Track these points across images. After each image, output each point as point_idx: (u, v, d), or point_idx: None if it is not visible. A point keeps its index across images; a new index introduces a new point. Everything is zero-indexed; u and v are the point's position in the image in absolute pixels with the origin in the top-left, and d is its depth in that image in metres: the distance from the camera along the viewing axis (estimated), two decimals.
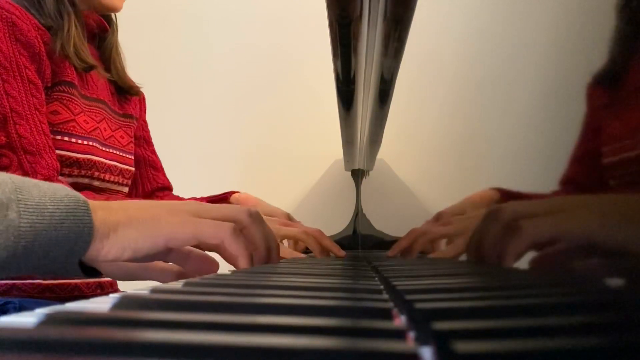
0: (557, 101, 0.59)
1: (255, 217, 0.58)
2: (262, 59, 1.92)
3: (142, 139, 1.27)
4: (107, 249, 0.49)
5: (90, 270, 0.76)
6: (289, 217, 1.12)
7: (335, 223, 1.49)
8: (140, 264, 0.67)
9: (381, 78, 0.75)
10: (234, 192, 1.21)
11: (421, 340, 0.21)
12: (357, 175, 1.52)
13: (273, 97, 1.91)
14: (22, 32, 0.92)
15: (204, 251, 0.61)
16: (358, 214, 1.48)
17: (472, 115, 0.92)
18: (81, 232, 0.47)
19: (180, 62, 1.94)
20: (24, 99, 0.90)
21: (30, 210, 0.44)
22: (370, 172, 1.47)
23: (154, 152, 1.30)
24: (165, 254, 0.56)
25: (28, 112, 0.90)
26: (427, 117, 1.21)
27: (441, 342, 0.17)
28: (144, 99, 1.28)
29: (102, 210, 0.49)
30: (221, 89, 1.93)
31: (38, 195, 0.45)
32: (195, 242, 0.54)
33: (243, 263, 0.54)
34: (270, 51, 1.92)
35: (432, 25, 1.06)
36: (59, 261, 0.48)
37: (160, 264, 0.67)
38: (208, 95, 1.93)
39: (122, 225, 0.50)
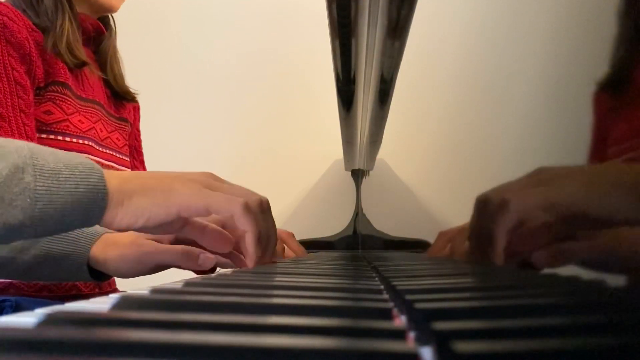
0: (558, 101, 0.59)
1: (266, 205, 0.58)
2: (262, 58, 1.92)
3: (133, 149, 1.26)
4: (120, 216, 0.50)
5: (97, 274, 0.76)
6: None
7: (335, 223, 1.49)
8: (143, 252, 0.69)
9: (381, 78, 0.75)
10: None
11: (421, 340, 0.21)
12: (357, 175, 1.52)
13: (273, 97, 1.91)
14: (13, 33, 0.92)
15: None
16: (358, 214, 1.48)
17: (472, 115, 0.92)
18: (95, 197, 0.48)
19: (178, 62, 1.94)
20: (9, 101, 0.90)
21: (46, 174, 0.46)
22: (370, 172, 1.47)
23: (142, 163, 1.29)
24: (180, 226, 0.56)
25: (12, 115, 0.90)
26: (427, 117, 1.21)
27: (441, 342, 0.17)
28: (138, 108, 1.27)
29: (117, 179, 0.51)
30: (221, 89, 1.93)
31: (53, 161, 0.47)
32: (207, 214, 0.54)
33: (250, 239, 0.55)
34: (270, 51, 1.91)
35: (432, 25, 1.06)
36: (75, 226, 0.49)
37: (162, 246, 0.69)
38: (208, 95, 1.93)
39: (137, 194, 0.51)
